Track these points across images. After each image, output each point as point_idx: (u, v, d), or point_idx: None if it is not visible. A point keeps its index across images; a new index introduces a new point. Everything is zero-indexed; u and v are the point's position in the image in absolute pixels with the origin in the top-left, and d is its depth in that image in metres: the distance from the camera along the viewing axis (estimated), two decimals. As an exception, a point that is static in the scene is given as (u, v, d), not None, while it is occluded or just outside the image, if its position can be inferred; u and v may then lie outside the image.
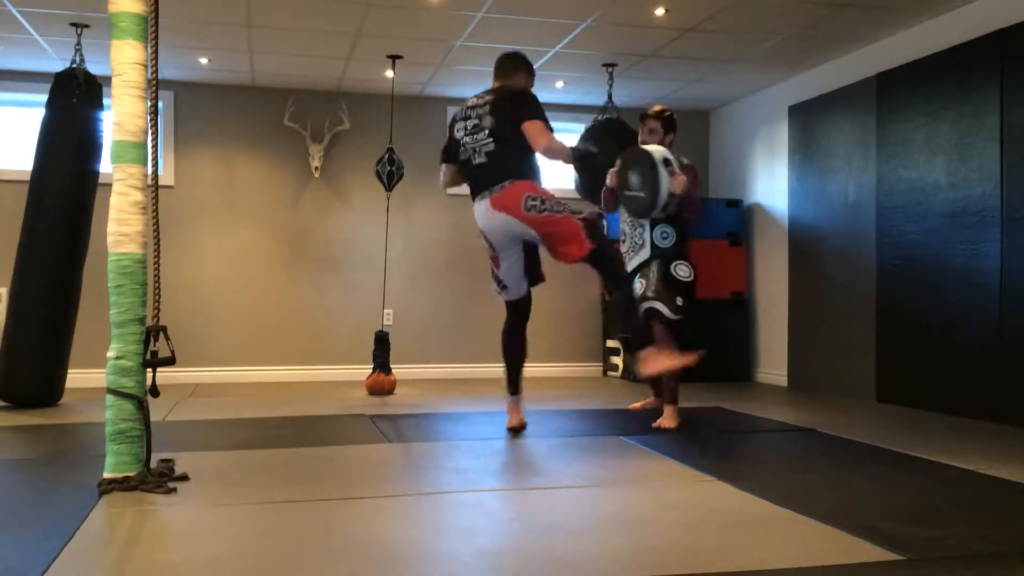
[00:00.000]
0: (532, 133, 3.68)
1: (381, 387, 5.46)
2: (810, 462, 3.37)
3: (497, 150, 3.71)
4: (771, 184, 6.40)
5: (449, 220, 6.71)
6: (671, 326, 4.08)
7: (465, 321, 6.71)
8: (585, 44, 5.37)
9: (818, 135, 5.80)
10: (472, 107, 3.84)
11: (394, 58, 5.69)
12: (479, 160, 3.76)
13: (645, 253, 4.23)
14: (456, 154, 3.91)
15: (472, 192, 3.84)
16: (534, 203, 3.63)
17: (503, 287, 3.95)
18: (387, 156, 5.85)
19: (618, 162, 4.18)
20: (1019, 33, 4.28)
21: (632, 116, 6.22)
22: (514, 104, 3.75)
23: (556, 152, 3.79)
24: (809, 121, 5.90)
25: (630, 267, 4.28)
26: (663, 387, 4.24)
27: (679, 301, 4.09)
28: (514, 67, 3.96)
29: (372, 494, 2.73)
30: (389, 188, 5.87)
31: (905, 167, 4.98)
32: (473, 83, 6.31)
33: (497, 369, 6.82)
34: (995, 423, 4.29)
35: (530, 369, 6.62)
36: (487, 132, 3.73)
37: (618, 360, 6.72)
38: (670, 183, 3.93)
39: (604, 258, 3.70)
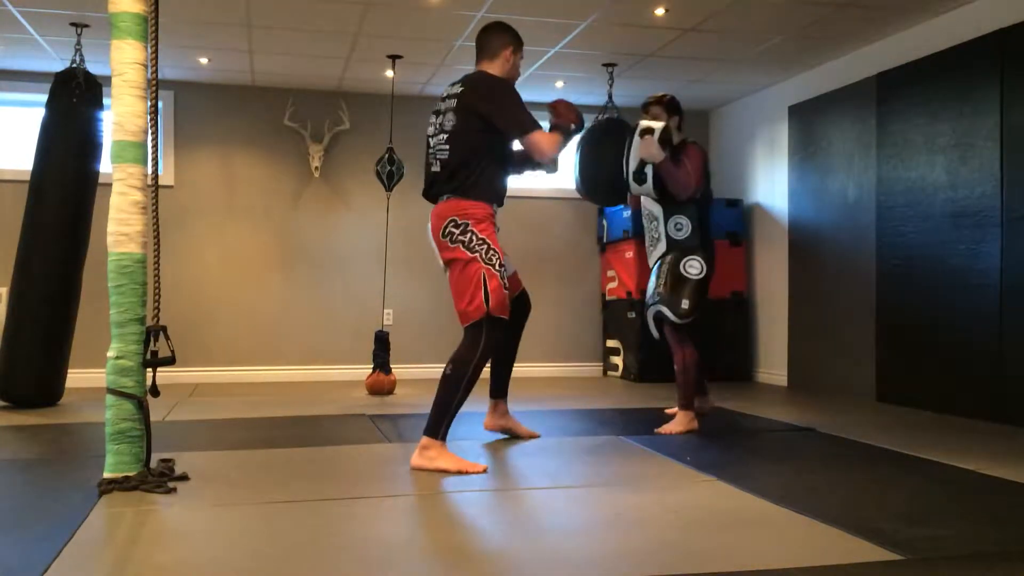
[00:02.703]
0: (534, 146, 3.21)
1: (381, 387, 5.47)
2: (810, 462, 3.37)
3: (449, 158, 3.21)
4: (771, 184, 6.40)
5: (449, 220, 6.70)
6: (678, 329, 4.00)
7: (465, 321, 6.70)
8: (585, 44, 5.37)
9: (818, 135, 5.80)
10: (442, 100, 3.33)
11: (394, 58, 5.69)
12: (434, 168, 3.29)
13: (662, 247, 4.09)
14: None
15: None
16: (452, 229, 3.17)
17: None
18: (387, 156, 5.86)
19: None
20: (1019, 33, 4.28)
21: (633, 116, 6.23)
22: (485, 103, 3.20)
23: (556, 155, 3.30)
24: (809, 121, 5.90)
25: (650, 262, 4.20)
26: (681, 390, 4.04)
27: (685, 304, 3.93)
28: (491, 41, 3.36)
29: (372, 494, 2.72)
30: (389, 188, 5.88)
31: (905, 167, 4.98)
32: (473, 83, 6.31)
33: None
34: (995, 423, 4.28)
35: (530, 369, 6.67)
36: (445, 136, 3.23)
37: (618, 360, 6.72)
38: (638, 147, 3.86)
39: (478, 335, 3.14)
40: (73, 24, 4.98)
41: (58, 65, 5.52)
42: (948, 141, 4.66)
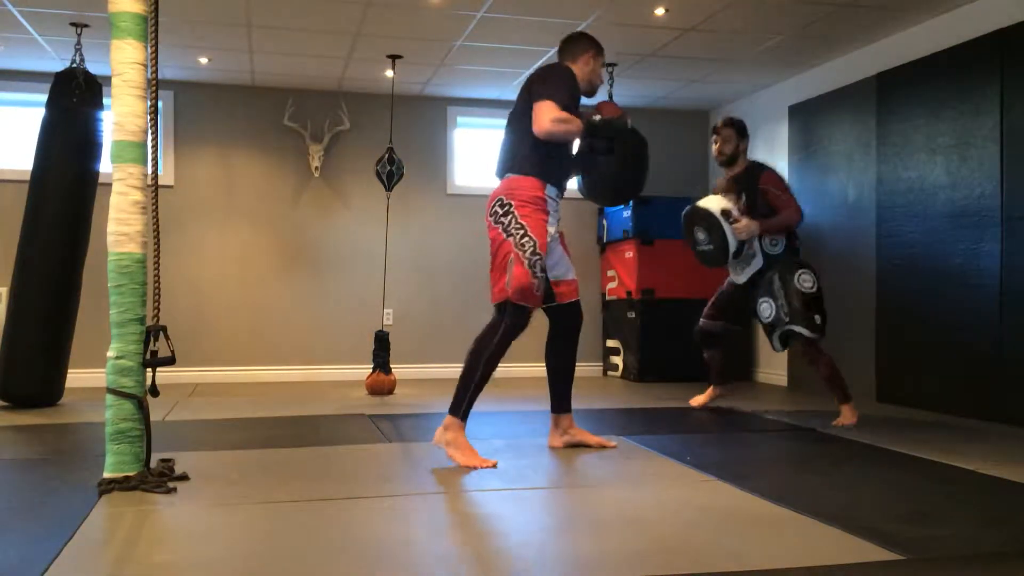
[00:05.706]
0: (535, 116, 3.17)
1: (381, 387, 5.47)
2: (810, 462, 3.37)
3: (506, 137, 3.39)
4: (771, 184, 6.40)
5: (449, 220, 6.70)
6: (811, 344, 4.14)
7: (465, 321, 6.69)
8: (585, 44, 5.37)
9: (818, 135, 5.80)
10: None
11: (394, 58, 5.69)
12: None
13: (758, 262, 4.26)
14: None
15: None
16: (497, 210, 3.25)
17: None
18: (387, 156, 5.85)
19: (683, 223, 4.35)
20: (1019, 33, 4.28)
21: (632, 116, 6.21)
22: (531, 84, 3.28)
23: (559, 133, 3.18)
24: (809, 121, 5.90)
25: (743, 279, 4.35)
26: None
27: (817, 319, 4.09)
28: (562, 50, 3.50)
29: (372, 494, 2.72)
30: (389, 188, 5.87)
31: (905, 167, 4.98)
32: (473, 83, 6.31)
33: (497, 369, 6.84)
34: (995, 423, 4.28)
35: (531, 369, 6.66)
36: (508, 116, 3.43)
37: (618, 360, 6.72)
38: (735, 233, 4.10)
39: (500, 317, 3.26)
40: (73, 24, 4.98)
41: (58, 65, 5.52)
42: (948, 141, 4.66)
